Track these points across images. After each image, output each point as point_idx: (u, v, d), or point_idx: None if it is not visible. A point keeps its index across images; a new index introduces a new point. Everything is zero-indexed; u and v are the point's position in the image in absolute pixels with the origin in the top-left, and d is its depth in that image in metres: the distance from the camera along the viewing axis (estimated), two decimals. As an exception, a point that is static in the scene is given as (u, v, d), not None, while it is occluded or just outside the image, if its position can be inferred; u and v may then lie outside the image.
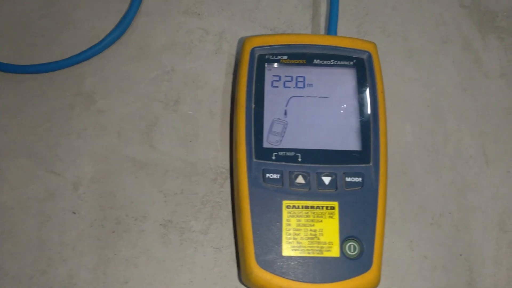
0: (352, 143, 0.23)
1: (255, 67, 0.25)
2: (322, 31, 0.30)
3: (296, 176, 0.22)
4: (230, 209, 0.26)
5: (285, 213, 0.22)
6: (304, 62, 0.25)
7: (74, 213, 0.26)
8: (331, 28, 0.28)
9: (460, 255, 0.25)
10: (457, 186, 0.26)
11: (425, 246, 0.25)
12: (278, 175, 0.22)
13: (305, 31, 0.30)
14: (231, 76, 0.29)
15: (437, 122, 0.28)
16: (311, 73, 0.25)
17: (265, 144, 0.23)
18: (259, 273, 0.21)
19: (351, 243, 0.21)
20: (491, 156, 0.27)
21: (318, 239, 0.21)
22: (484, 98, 0.29)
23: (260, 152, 0.23)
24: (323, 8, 0.31)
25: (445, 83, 0.29)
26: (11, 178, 0.26)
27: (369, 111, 0.24)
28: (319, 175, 0.22)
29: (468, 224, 0.25)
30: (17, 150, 0.27)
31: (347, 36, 0.29)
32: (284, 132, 0.24)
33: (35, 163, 0.27)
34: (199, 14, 0.31)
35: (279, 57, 0.25)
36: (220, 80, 0.29)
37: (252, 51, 0.25)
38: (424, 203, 0.26)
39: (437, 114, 0.28)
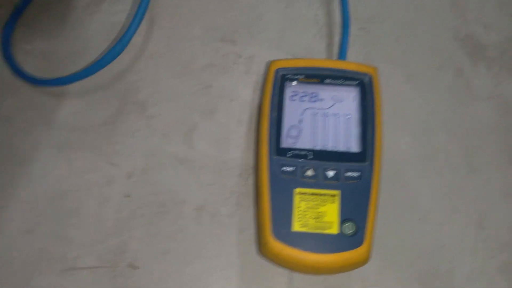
0: (353, 146, 0.28)
1: (278, 84, 0.30)
2: (335, 56, 0.35)
3: (307, 170, 0.27)
4: (251, 199, 0.30)
5: (296, 198, 0.27)
6: (318, 81, 0.30)
7: (127, 196, 0.31)
8: (341, 54, 0.33)
9: (443, 246, 0.29)
10: (444, 190, 0.30)
11: (413, 238, 0.29)
12: (293, 168, 0.27)
13: (321, 56, 0.35)
14: (257, 92, 0.34)
15: (430, 136, 0.32)
16: (323, 90, 0.30)
17: (283, 144, 0.28)
18: (274, 244, 0.25)
19: (348, 223, 0.26)
20: (475, 165, 0.31)
21: (322, 219, 0.26)
22: (472, 118, 0.33)
23: (279, 150, 0.28)
24: (337, 38, 0.36)
25: (438, 104, 0.33)
26: (79, 166, 0.31)
27: (367, 121, 0.29)
28: (325, 170, 0.27)
29: (451, 220, 0.30)
30: (84, 144, 0.32)
31: (356, 61, 0.35)
32: (299, 136, 0.29)
33: (98, 155, 0.32)
34: (233, 41, 0.36)
35: (297, 76, 0.30)
36: (249, 95, 0.34)
37: (276, 71, 0.30)
38: (415, 202, 0.30)
39: (430, 130, 0.32)
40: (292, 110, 0.30)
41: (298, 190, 0.27)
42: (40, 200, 0.31)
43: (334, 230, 0.26)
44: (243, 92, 0.34)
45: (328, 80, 0.30)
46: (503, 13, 0.37)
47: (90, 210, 0.30)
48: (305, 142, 0.29)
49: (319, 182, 0.27)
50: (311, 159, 0.28)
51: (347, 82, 0.30)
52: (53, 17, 0.38)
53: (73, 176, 0.31)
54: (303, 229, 0.26)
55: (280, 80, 0.30)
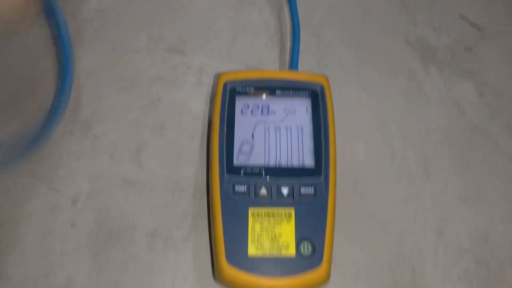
0: (307, 161, 0.27)
1: (227, 98, 0.29)
2: (287, 64, 0.34)
3: (260, 188, 0.26)
4: (206, 220, 0.29)
5: (250, 219, 0.25)
6: (268, 93, 0.29)
7: (72, 225, 0.29)
8: (293, 63, 0.32)
9: (405, 256, 0.29)
10: (402, 197, 0.30)
11: (375, 249, 0.29)
12: (246, 187, 0.26)
13: (273, 65, 0.34)
14: (210, 105, 0.33)
15: (385, 142, 0.32)
16: (274, 102, 0.29)
17: (235, 162, 0.27)
18: (229, 270, 0.24)
19: (305, 243, 0.25)
20: (431, 171, 0.31)
21: (278, 240, 0.25)
22: (426, 122, 0.33)
23: (231, 169, 0.27)
24: (288, 45, 0.35)
25: (393, 108, 0.33)
26: (17, 195, 0.29)
27: (321, 134, 0.28)
28: (279, 187, 0.26)
29: (411, 229, 0.29)
30: (23, 170, 0.30)
31: (309, 69, 0.34)
32: (251, 151, 0.27)
33: (38, 181, 0.30)
34: (182, 51, 0.35)
35: (247, 89, 0.29)
36: (200, 108, 0.32)
37: (225, 84, 0.29)
38: (374, 211, 0.30)
39: (385, 136, 0.32)
40: (243, 124, 0.28)
41: (252, 210, 0.25)
42: (-27, 236, 0.28)
43: (290, 251, 0.25)
44: (194, 106, 0.33)
45: (279, 92, 0.29)
46: (451, 15, 0.38)
47: (32, 242, 0.28)
48: (257, 158, 0.27)
49: (274, 200, 0.26)
50: (264, 176, 0.27)
51: (299, 93, 0.29)
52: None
53: (11, 206, 0.29)
54: (259, 252, 0.25)
55: (229, 94, 0.29)
